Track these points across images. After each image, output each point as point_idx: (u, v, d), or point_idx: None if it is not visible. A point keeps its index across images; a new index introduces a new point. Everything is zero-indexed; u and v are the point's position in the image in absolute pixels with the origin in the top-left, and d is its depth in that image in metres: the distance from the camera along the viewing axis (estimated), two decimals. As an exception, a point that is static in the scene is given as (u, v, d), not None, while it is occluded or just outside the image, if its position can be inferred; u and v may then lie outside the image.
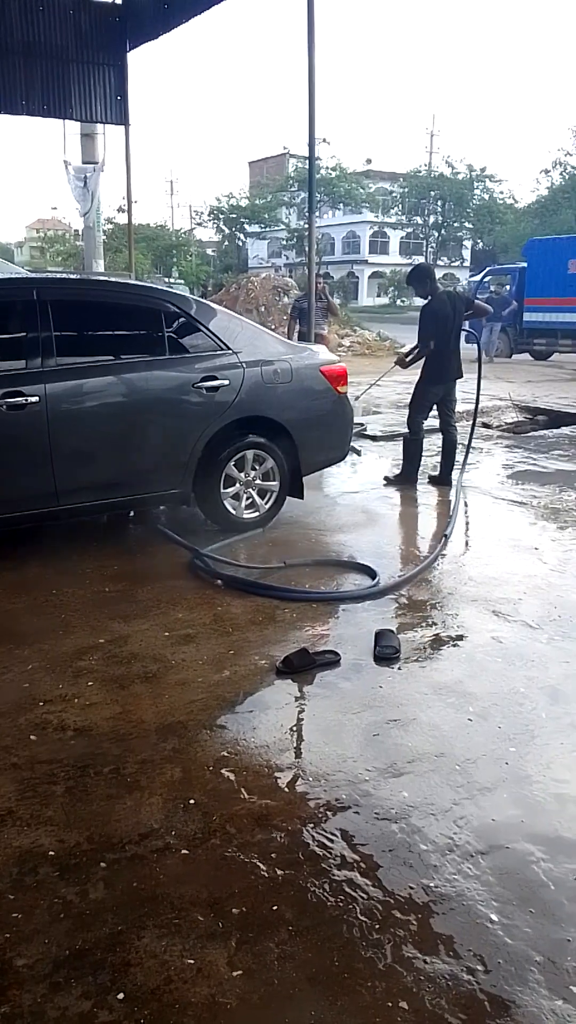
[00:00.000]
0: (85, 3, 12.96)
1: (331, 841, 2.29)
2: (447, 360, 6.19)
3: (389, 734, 2.85)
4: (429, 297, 6.19)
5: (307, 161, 9.31)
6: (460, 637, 3.68)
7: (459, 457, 6.55)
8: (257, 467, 5.02)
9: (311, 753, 2.74)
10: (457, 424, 6.60)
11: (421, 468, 6.49)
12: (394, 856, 2.23)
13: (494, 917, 2.03)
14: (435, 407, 6.42)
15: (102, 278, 6.55)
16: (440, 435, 6.48)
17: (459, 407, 6.82)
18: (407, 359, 6.52)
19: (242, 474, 4.98)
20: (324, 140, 40.41)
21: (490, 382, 13.16)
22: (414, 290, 6.60)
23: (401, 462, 6.47)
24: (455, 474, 6.46)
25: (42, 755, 2.67)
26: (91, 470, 4.50)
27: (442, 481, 6.41)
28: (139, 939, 1.92)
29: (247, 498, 5.05)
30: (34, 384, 4.21)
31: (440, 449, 6.52)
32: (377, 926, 2.00)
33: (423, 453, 6.45)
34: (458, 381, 6.41)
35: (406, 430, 6.47)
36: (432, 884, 2.14)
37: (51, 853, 2.21)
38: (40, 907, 2.02)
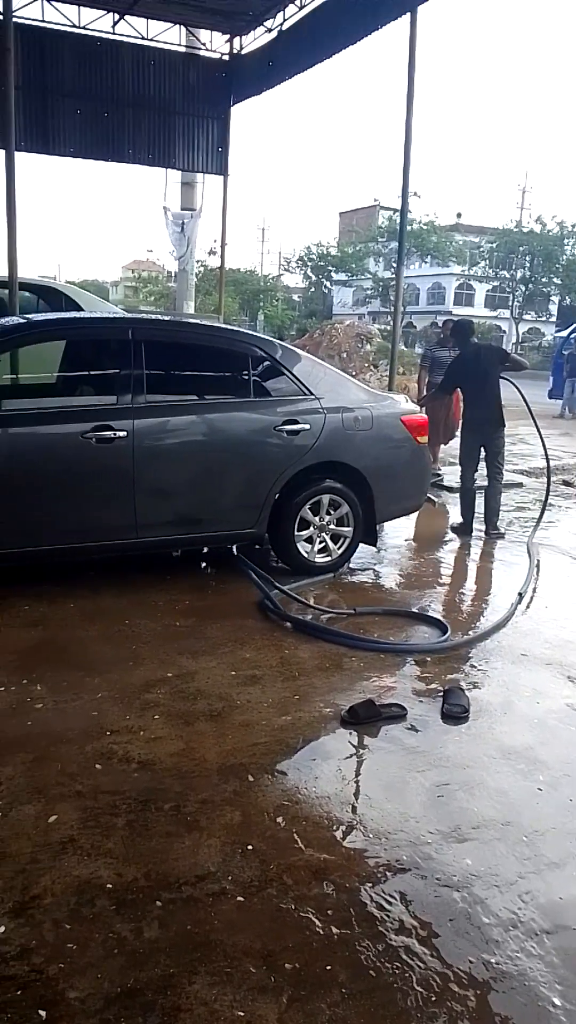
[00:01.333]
0: (194, 59, 13.64)
1: (389, 903, 2.23)
2: (474, 408, 6.50)
3: (454, 796, 2.77)
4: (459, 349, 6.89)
5: (398, 213, 9.47)
6: (532, 701, 3.56)
7: (532, 514, 6.44)
8: (332, 512, 5.04)
9: (372, 809, 2.68)
10: (532, 480, 6.53)
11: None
12: (454, 926, 2.16)
13: (557, 1001, 1.93)
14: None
15: (193, 321, 6.75)
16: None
17: (535, 464, 6.73)
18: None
19: (317, 518, 5.00)
20: (415, 194, 40.88)
21: (574, 439, 12.94)
22: (455, 341, 7.26)
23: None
24: (514, 530, 6.32)
25: (106, 785, 2.70)
26: (171, 505, 4.61)
27: (462, 531, 6.42)
28: (190, 984, 1.90)
29: (320, 542, 5.07)
30: (123, 419, 4.36)
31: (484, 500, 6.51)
32: (433, 998, 1.92)
33: (475, 504, 6.43)
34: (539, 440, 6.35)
35: (481, 482, 6.49)
36: (493, 960, 2.05)
37: (109, 886, 2.22)
38: (95, 940, 2.02)
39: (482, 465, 6.48)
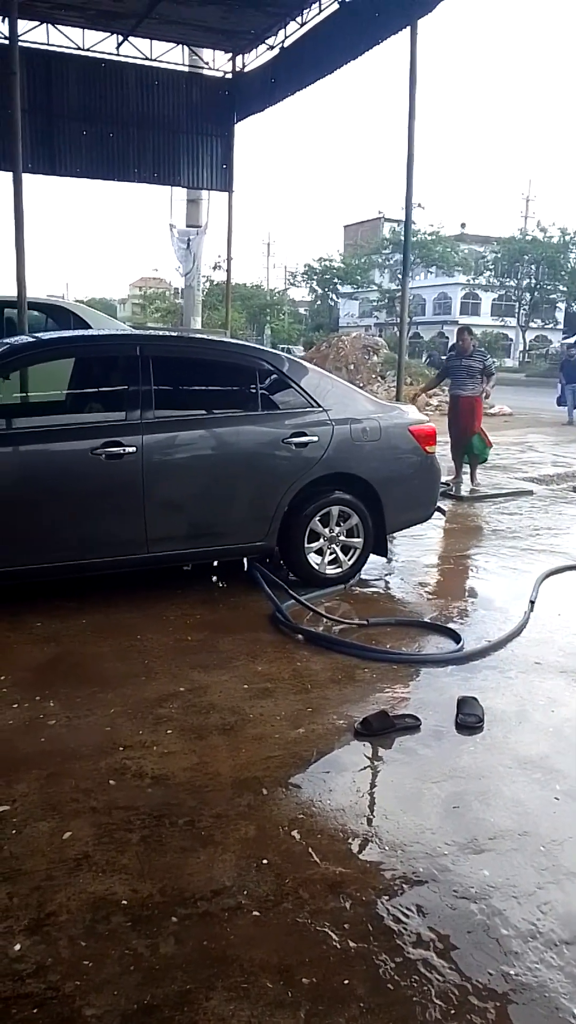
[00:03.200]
0: (197, 78, 13.81)
1: (407, 916, 2.21)
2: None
3: (470, 807, 2.75)
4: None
5: (402, 225, 9.52)
6: (547, 709, 3.54)
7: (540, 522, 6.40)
8: (342, 523, 5.04)
9: (388, 821, 2.67)
10: (542, 488, 6.50)
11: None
12: (473, 938, 2.14)
13: (579, 1015, 1.90)
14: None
15: (200, 336, 6.81)
16: None
17: (545, 471, 6.70)
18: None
19: (327, 530, 5.00)
20: (419, 205, 41.11)
21: (582, 446, 12.90)
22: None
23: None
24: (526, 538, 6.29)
25: (120, 801, 2.70)
26: (181, 520, 4.62)
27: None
28: (207, 1000, 1.89)
29: (330, 553, 5.06)
30: (132, 435, 4.38)
31: None
32: (452, 1011, 1.90)
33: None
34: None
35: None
36: (512, 972, 2.03)
37: (124, 902, 2.21)
38: (111, 957, 2.01)
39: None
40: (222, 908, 2.20)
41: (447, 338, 52.52)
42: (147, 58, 13.21)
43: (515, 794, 2.83)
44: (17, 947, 2.04)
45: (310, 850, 2.48)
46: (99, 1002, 1.88)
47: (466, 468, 8.66)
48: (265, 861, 2.41)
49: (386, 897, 2.29)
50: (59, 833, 2.51)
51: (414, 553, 6.20)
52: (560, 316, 51.08)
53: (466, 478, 8.65)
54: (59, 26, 12.40)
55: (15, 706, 3.36)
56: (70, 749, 3.02)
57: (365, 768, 3.04)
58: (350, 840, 2.55)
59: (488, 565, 5.93)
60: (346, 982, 1.97)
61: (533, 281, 46.54)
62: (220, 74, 14.01)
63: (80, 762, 2.93)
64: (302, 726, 3.28)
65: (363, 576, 5.26)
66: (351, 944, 2.09)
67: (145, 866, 2.37)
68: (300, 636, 4.22)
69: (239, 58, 13.70)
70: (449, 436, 8.48)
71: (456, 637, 4.20)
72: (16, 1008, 1.85)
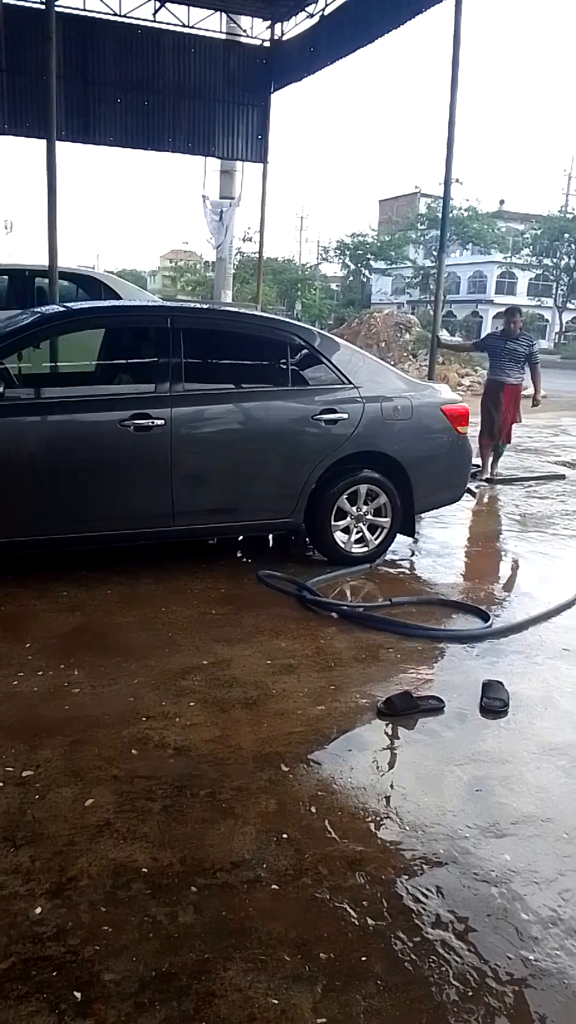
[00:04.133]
0: (234, 45, 13.56)
1: (426, 897, 2.20)
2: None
3: (493, 791, 2.73)
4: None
5: (438, 200, 9.33)
6: (574, 696, 3.50)
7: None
8: (370, 502, 4.99)
9: (409, 802, 2.65)
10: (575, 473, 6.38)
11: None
12: (492, 922, 2.12)
13: (598, 1003, 1.89)
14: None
15: (231, 309, 6.74)
16: None
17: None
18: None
19: (354, 508, 4.96)
20: (457, 180, 40.32)
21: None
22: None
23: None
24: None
25: (142, 770, 2.72)
26: (208, 494, 4.61)
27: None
28: (225, 971, 1.90)
29: (357, 532, 5.03)
30: (161, 408, 4.36)
31: None
32: (470, 993, 1.90)
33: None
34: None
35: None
36: (532, 957, 2.02)
37: (144, 870, 2.23)
38: (131, 923, 2.03)
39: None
40: (241, 880, 2.21)
41: (481, 317, 51.85)
42: (184, 25, 13.00)
43: (538, 780, 2.81)
44: (38, 910, 2.06)
45: (330, 827, 2.48)
46: (117, 967, 1.90)
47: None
48: (285, 836, 2.41)
49: (405, 877, 2.28)
50: (81, 800, 2.53)
51: (443, 536, 6.14)
52: (598, 297, 50.06)
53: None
54: (96, -10, 12.24)
55: (40, 673, 3.39)
56: (93, 717, 3.04)
57: (387, 748, 3.03)
58: (370, 819, 2.54)
59: (519, 549, 5.86)
60: (363, 959, 1.97)
61: (573, 261, 45.61)
62: (258, 42, 13.74)
63: (103, 730, 2.95)
64: (324, 703, 3.27)
65: (388, 556, 5.22)
66: (369, 922, 2.09)
67: (166, 835, 2.38)
68: (334, 613, 4.20)
69: (278, 26, 13.42)
70: (481, 423, 7.91)
71: (485, 616, 4.17)
72: (36, 970, 1.88)
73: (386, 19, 10.21)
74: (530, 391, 7.90)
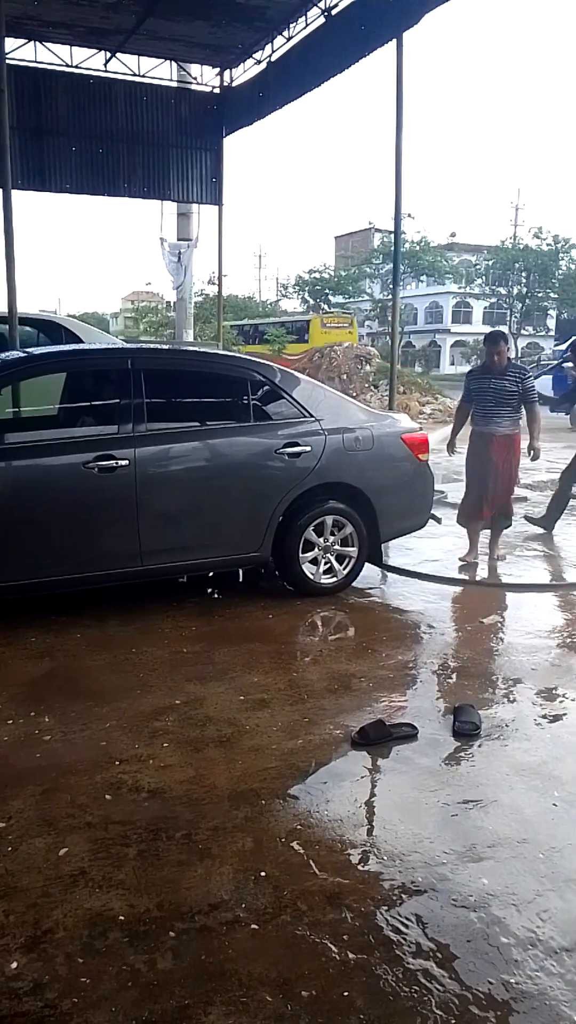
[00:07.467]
0: (185, 93, 13.89)
1: (406, 926, 2.20)
2: None
3: (468, 815, 2.74)
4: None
5: (392, 235, 9.58)
6: (544, 716, 3.54)
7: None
8: (336, 532, 5.04)
9: (386, 831, 2.66)
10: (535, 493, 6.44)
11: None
12: (472, 947, 2.12)
13: (580, 1023, 1.89)
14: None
15: (192, 348, 6.82)
16: None
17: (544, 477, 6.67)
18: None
19: (321, 539, 5.00)
20: (409, 215, 41.39)
21: None
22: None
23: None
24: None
25: (116, 815, 2.68)
26: (175, 532, 4.62)
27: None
28: (206, 1015, 1.88)
29: (325, 563, 5.06)
30: (125, 448, 4.38)
31: None
32: (453, 1021, 1.89)
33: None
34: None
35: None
36: (513, 980, 2.02)
37: (121, 918, 2.20)
38: (109, 973, 2.00)
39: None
40: (220, 922, 2.19)
41: (439, 347, 52.79)
42: (135, 74, 13.29)
43: (513, 802, 2.82)
44: (14, 965, 2.02)
45: (308, 861, 2.46)
46: (97, 1019, 1.86)
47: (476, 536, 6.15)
48: (263, 873, 2.39)
49: (385, 907, 2.27)
50: (55, 849, 2.49)
51: (413, 562, 6.18)
52: (552, 323, 51.33)
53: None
54: (46, 43, 12.49)
55: (10, 722, 3.34)
56: (66, 764, 3.01)
57: (362, 778, 3.03)
58: (348, 851, 2.54)
59: (487, 570, 5.93)
60: (345, 994, 1.95)
61: (524, 289, 46.79)
62: (208, 89, 14.09)
63: (76, 777, 2.91)
64: (299, 737, 3.26)
65: (357, 585, 5.25)
66: (350, 955, 2.08)
67: (142, 881, 2.35)
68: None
69: (227, 72, 13.79)
70: (465, 489, 6.10)
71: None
72: (13, 1027, 1.83)
73: (331, 64, 10.54)
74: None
